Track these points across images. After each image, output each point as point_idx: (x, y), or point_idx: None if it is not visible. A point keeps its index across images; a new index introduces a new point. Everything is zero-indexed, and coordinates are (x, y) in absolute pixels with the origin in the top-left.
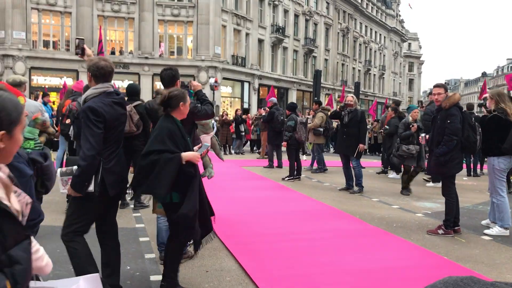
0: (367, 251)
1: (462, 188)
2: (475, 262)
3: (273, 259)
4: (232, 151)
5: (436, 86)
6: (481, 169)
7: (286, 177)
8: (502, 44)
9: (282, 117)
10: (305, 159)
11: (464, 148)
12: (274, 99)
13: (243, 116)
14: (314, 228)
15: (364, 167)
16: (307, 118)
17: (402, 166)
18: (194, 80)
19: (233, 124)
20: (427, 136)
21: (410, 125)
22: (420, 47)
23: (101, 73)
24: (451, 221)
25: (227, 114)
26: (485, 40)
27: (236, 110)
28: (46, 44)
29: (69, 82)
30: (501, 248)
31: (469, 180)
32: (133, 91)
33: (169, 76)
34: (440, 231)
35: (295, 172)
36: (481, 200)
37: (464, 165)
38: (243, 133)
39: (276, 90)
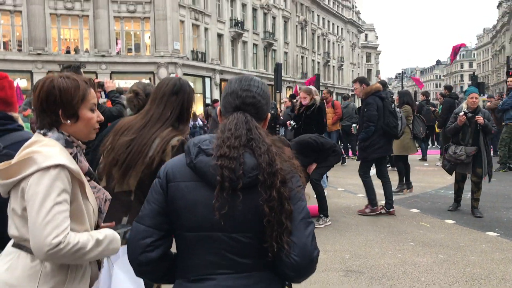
0: None
1: (423, 173)
2: (440, 247)
3: None
4: None
5: (353, 81)
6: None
7: None
8: (454, 34)
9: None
10: None
11: (386, 133)
12: None
13: None
14: None
15: None
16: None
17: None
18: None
19: None
20: (358, 126)
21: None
22: (377, 38)
23: None
24: (374, 198)
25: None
26: (438, 29)
27: None
28: None
29: (23, 84)
30: (464, 231)
31: (430, 166)
32: None
33: None
34: (367, 210)
35: None
36: (442, 184)
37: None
38: None
39: None
